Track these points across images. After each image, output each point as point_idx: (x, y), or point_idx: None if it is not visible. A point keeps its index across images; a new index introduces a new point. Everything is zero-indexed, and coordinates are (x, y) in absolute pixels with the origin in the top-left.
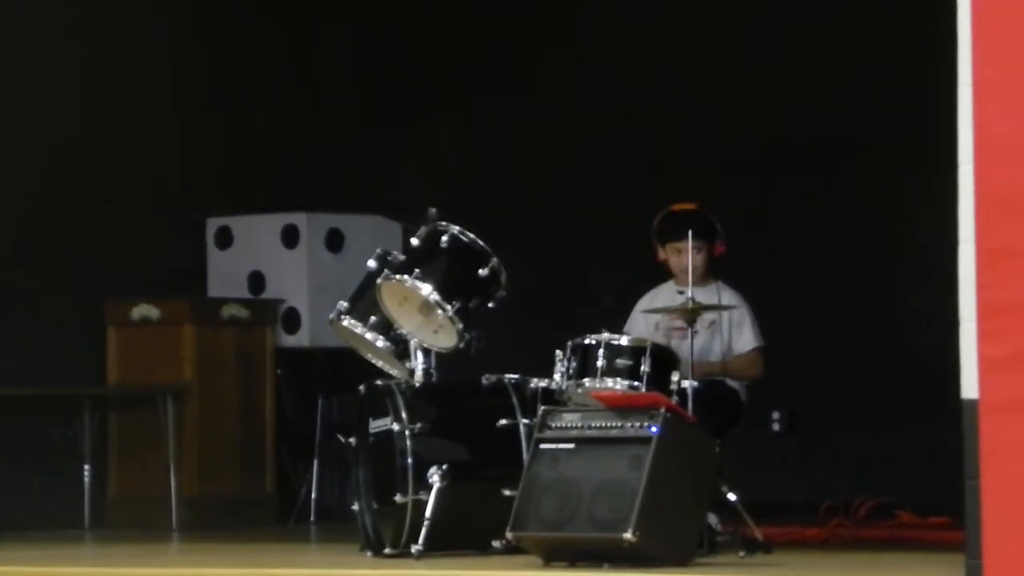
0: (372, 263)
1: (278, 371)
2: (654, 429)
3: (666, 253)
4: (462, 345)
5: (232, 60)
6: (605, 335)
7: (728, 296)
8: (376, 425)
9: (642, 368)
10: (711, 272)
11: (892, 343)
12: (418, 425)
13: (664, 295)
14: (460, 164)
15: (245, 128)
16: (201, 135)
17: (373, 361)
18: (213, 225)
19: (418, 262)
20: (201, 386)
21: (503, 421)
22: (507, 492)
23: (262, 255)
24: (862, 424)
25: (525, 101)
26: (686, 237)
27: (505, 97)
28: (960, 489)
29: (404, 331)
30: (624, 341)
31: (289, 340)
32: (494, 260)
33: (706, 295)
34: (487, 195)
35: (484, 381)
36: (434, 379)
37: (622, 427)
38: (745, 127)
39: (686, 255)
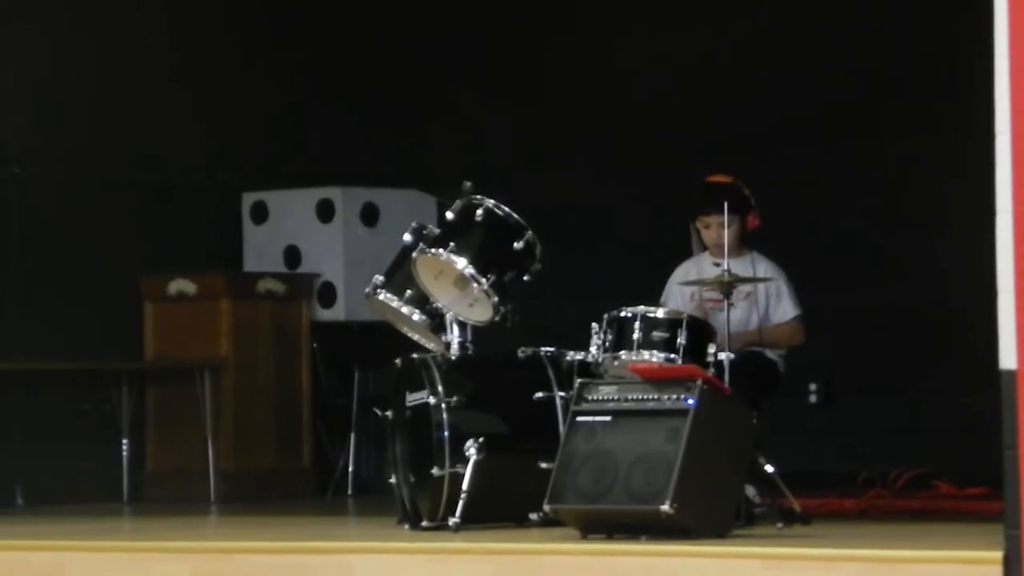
0: (407, 237)
1: (314, 345)
2: (691, 401)
3: (700, 225)
4: (497, 318)
5: (265, 35)
6: (641, 308)
7: (763, 267)
8: (412, 398)
9: (678, 340)
10: (746, 243)
11: (930, 313)
12: (454, 398)
13: (701, 268)
14: (495, 137)
15: (280, 103)
16: (236, 110)
17: (409, 335)
18: (248, 200)
19: (453, 236)
20: (237, 360)
21: (539, 394)
22: (544, 465)
23: (297, 229)
24: (899, 395)
25: (558, 71)
26: (714, 212)
27: (538, 68)
28: (998, 459)
29: (440, 305)
30: (660, 313)
31: (325, 314)
32: (529, 233)
33: (741, 266)
34: (522, 168)
35: (520, 354)
36: (470, 352)
37: (659, 399)
38: (780, 95)
39: (714, 229)
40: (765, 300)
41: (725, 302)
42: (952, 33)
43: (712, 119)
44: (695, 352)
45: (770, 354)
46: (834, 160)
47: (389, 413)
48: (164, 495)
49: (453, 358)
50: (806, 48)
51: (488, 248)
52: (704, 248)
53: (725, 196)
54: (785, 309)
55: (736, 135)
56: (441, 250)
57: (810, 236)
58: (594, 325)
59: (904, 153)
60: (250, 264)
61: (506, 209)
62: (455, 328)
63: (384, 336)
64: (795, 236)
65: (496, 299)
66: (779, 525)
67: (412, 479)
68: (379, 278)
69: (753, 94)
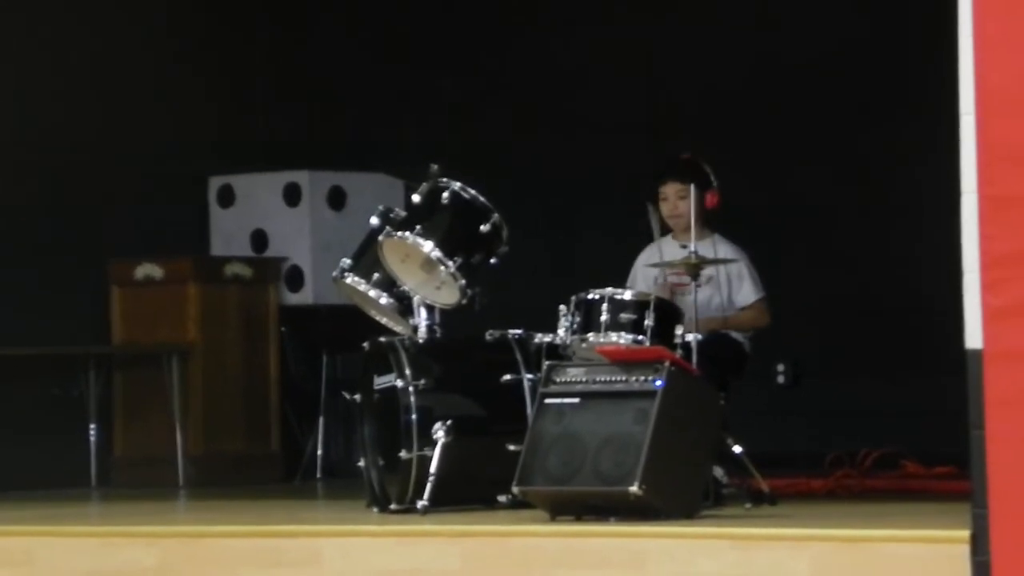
0: (374, 220)
1: (282, 329)
2: (659, 383)
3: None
4: (465, 301)
5: (233, 17)
6: (609, 290)
7: (725, 249)
8: (380, 382)
9: (646, 322)
10: (708, 225)
11: (896, 293)
12: (422, 381)
13: (664, 250)
14: (463, 121)
15: (247, 86)
16: (203, 93)
17: (377, 318)
18: (215, 183)
19: (420, 219)
20: (205, 345)
21: (507, 376)
22: (512, 447)
23: (265, 213)
24: (867, 375)
25: (527, 55)
26: (671, 180)
27: (507, 53)
28: (965, 439)
29: (407, 288)
30: (628, 296)
31: (293, 298)
32: (495, 216)
33: (703, 249)
34: (489, 151)
35: (488, 337)
36: (438, 335)
37: (627, 381)
38: (750, 79)
39: (672, 201)
40: (727, 282)
41: (692, 284)
42: (921, 16)
43: (679, 104)
44: (662, 334)
45: (736, 335)
46: (804, 143)
47: (357, 396)
48: (132, 480)
49: (421, 341)
50: (776, 32)
51: (455, 231)
52: (666, 230)
53: (684, 166)
54: (747, 292)
55: (703, 120)
56: (407, 233)
57: (778, 218)
58: (562, 307)
59: (875, 136)
60: (217, 248)
61: (473, 192)
62: (423, 311)
63: (352, 319)
64: (763, 217)
65: (463, 282)
66: (747, 505)
67: (381, 462)
68: (346, 261)
69: (721, 79)
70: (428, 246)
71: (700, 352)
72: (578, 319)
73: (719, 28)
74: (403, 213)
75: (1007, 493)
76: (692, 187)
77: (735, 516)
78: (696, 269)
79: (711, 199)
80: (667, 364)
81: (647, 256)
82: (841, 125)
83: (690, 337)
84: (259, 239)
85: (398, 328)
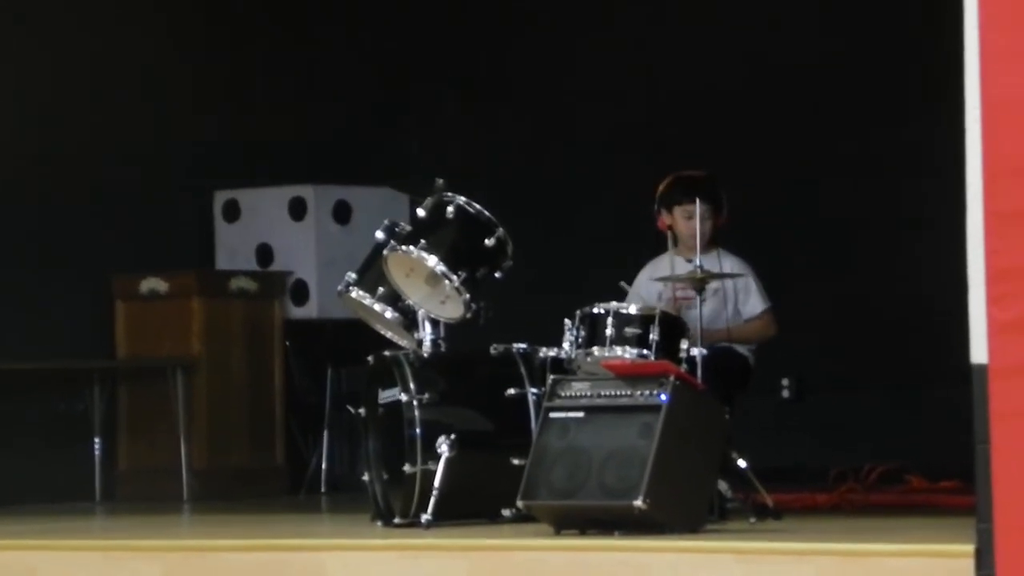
0: (379, 234)
1: (287, 343)
2: (664, 397)
3: (672, 218)
4: (469, 315)
5: (237, 32)
6: (614, 304)
7: (730, 263)
8: (385, 396)
9: (651, 336)
10: (712, 240)
11: (901, 308)
12: (426, 395)
13: (665, 265)
14: (467, 135)
15: (252, 100)
16: (208, 108)
17: (382, 332)
18: (220, 198)
19: (424, 233)
20: (210, 359)
21: (511, 391)
22: (516, 461)
23: (270, 228)
24: (871, 389)
25: (530, 70)
26: (701, 202)
27: (509, 65)
28: (970, 453)
29: (411, 302)
30: (633, 310)
31: (298, 312)
32: (500, 230)
33: (708, 262)
34: (494, 165)
35: (492, 351)
36: (442, 349)
37: (632, 395)
38: (753, 88)
39: (695, 220)
40: (734, 295)
41: (695, 299)
42: (922, 16)
43: (682, 114)
44: (668, 348)
45: (740, 349)
46: (807, 154)
47: (362, 410)
48: (137, 494)
49: (425, 355)
50: (776, 32)
51: (459, 245)
52: (662, 247)
53: (706, 187)
54: (754, 303)
55: (707, 129)
56: (412, 247)
57: (783, 231)
58: (567, 321)
59: (878, 146)
60: (222, 262)
61: (477, 206)
62: (427, 325)
63: (357, 333)
64: (768, 230)
65: (467, 296)
66: (752, 520)
67: (385, 476)
68: (351, 275)
69: (724, 88)
70: (433, 260)
71: (705, 366)
72: (583, 333)
73: (719, 28)
74: (408, 227)
75: (1012, 508)
76: (711, 207)
77: (739, 530)
78: (702, 283)
79: (721, 219)
80: (672, 378)
81: (648, 272)
82: (841, 126)
83: (695, 351)
84: (264, 253)
85: (403, 342)
